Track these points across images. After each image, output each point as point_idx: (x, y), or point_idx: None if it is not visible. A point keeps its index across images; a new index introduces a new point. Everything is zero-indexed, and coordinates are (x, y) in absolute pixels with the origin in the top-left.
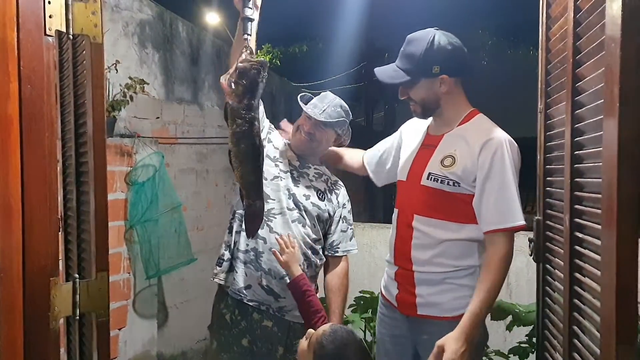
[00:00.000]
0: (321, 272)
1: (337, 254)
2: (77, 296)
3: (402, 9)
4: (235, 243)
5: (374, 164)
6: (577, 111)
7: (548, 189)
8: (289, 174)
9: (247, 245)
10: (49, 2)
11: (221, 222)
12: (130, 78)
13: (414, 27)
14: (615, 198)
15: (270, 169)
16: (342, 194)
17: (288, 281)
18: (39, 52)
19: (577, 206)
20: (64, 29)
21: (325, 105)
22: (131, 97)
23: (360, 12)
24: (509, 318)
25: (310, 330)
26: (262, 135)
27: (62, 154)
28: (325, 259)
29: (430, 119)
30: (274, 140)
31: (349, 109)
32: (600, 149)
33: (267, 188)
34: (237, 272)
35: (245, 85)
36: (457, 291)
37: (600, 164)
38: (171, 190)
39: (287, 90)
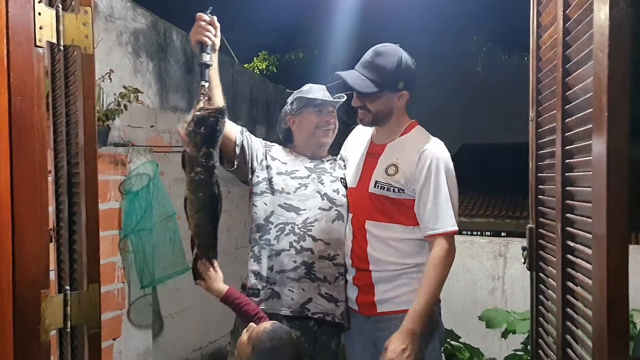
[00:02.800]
0: None
1: None
2: (68, 308)
3: (397, 16)
4: (270, 268)
5: None
6: (567, 120)
7: (540, 197)
8: (310, 178)
9: (295, 262)
10: (40, 14)
11: None
12: (124, 87)
13: (409, 33)
14: (605, 207)
15: (289, 182)
16: None
17: (341, 283)
18: (29, 64)
19: (568, 215)
20: (54, 40)
21: (324, 90)
22: (125, 106)
23: (355, 19)
24: (504, 326)
25: (252, 325)
26: (261, 156)
27: (54, 165)
28: None
29: (372, 128)
30: (278, 155)
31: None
32: (591, 157)
33: (294, 200)
34: (292, 291)
35: (203, 133)
36: (411, 285)
37: (591, 172)
38: (165, 199)
39: (283, 97)
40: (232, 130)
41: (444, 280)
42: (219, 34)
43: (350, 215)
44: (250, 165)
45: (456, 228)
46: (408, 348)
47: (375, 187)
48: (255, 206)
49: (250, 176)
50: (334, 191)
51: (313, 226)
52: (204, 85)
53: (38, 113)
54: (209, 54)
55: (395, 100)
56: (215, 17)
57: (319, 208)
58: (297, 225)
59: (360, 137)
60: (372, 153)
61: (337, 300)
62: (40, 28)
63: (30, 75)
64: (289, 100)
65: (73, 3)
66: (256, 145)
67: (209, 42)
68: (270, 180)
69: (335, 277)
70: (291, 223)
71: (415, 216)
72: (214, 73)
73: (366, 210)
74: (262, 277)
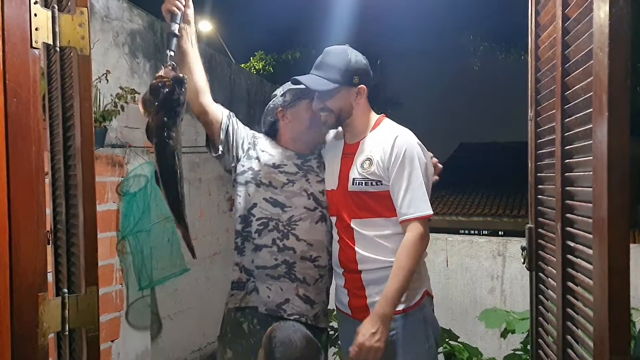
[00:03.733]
0: None
1: None
2: (66, 311)
3: (393, 15)
4: (252, 261)
5: None
6: (566, 119)
7: (539, 196)
8: (298, 175)
9: (276, 259)
10: (35, 15)
11: (214, 232)
12: (121, 88)
13: (405, 33)
14: (606, 207)
15: (276, 176)
16: None
17: (320, 285)
18: (25, 65)
19: (568, 215)
20: (50, 42)
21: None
22: (122, 107)
23: (352, 19)
24: (504, 326)
25: None
26: (247, 144)
27: (51, 166)
28: None
29: (341, 130)
30: (266, 147)
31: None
32: (591, 157)
33: (281, 196)
34: (269, 289)
35: (159, 102)
36: None
37: (591, 172)
38: (163, 200)
39: None
40: (219, 113)
41: (415, 264)
42: (190, 4)
43: (334, 218)
44: (235, 153)
45: (431, 212)
46: (379, 332)
47: (353, 184)
48: (239, 196)
49: (234, 164)
50: (320, 192)
51: (297, 225)
52: (167, 54)
53: (34, 115)
54: (177, 23)
55: (353, 95)
56: None
57: (305, 207)
58: (282, 222)
59: (333, 140)
60: (347, 153)
61: (313, 302)
62: (36, 29)
63: (26, 77)
64: (279, 92)
65: (69, 4)
66: (242, 133)
67: (178, 12)
68: (256, 172)
69: (315, 279)
70: (275, 219)
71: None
72: (187, 46)
73: (350, 210)
74: (246, 270)
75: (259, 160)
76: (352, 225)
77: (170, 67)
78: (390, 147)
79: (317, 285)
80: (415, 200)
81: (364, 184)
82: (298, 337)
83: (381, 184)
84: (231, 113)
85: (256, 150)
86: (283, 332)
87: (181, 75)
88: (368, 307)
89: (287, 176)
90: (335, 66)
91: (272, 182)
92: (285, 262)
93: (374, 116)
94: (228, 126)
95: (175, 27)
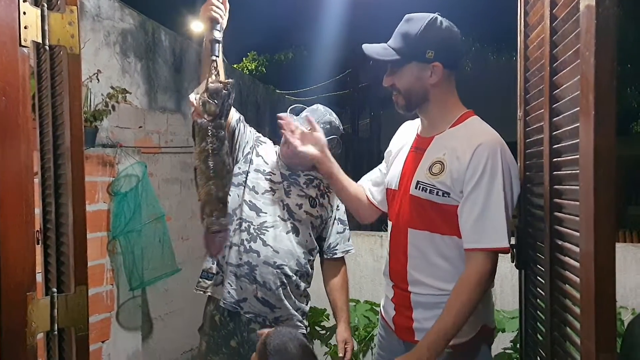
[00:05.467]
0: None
1: (336, 256)
2: (55, 311)
3: (385, 16)
4: (224, 257)
5: (378, 191)
6: (555, 119)
7: (528, 195)
8: (281, 185)
9: (240, 259)
10: (24, 13)
11: None
12: (112, 87)
13: None
14: (592, 205)
15: (261, 182)
16: (335, 196)
17: (281, 292)
18: (13, 64)
19: (556, 213)
20: (40, 40)
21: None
22: (113, 107)
23: (344, 20)
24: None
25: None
26: (248, 149)
27: (41, 166)
28: (322, 261)
29: (419, 120)
30: (263, 153)
31: (339, 122)
32: (578, 156)
33: (259, 201)
34: (230, 286)
35: (217, 104)
36: None
37: (578, 171)
38: (154, 200)
39: (272, 98)
40: (231, 115)
41: (475, 304)
42: (226, 15)
43: (390, 223)
44: (235, 155)
45: (505, 245)
46: None
47: (416, 188)
48: (229, 195)
49: (232, 165)
50: (296, 205)
51: (267, 231)
52: (214, 60)
53: (24, 114)
54: (219, 30)
55: (427, 74)
56: None
57: (278, 216)
58: (254, 225)
59: (406, 131)
60: (418, 148)
61: (273, 306)
62: (25, 27)
63: (15, 76)
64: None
65: (59, 2)
66: (247, 137)
67: (220, 20)
68: (247, 175)
69: (277, 285)
70: (249, 222)
71: None
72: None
73: (408, 217)
74: (218, 264)
75: (252, 164)
76: (408, 237)
77: (217, 72)
78: (469, 158)
79: (278, 291)
80: (488, 229)
81: (428, 191)
82: (294, 345)
83: (449, 197)
84: (241, 117)
85: (253, 154)
86: (278, 339)
87: (232, 80)
88: (414, 331)
89: (271, 184)
90: (409, 35)
91: (256, 187)
92: (248, 264)
93: (458, 108)
94: (235, 129)
95: (217, 35)
